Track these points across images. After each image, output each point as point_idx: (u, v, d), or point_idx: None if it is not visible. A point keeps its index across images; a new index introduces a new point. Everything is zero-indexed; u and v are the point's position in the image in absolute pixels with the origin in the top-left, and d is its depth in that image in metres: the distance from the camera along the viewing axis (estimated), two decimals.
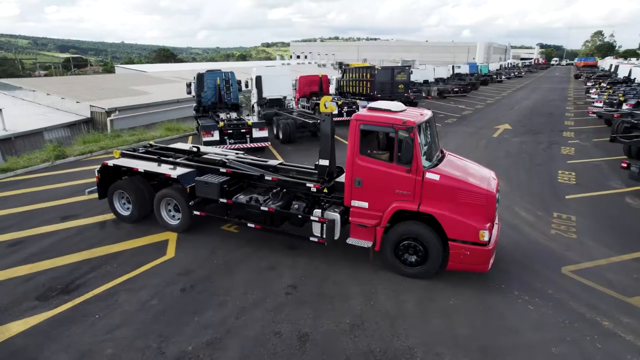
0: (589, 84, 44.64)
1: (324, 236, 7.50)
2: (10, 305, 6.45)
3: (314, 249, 8.13)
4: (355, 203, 7.31)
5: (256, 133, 16.08)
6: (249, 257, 7.99)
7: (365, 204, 7.22)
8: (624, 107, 22.93)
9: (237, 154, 10.07)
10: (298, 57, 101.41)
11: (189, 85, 20.86)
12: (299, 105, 25.06)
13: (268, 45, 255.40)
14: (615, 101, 24.18)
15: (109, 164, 9.46)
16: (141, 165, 9.23)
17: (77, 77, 44.20)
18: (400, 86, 25.21)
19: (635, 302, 6.49)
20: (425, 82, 42.93)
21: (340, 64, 32.25)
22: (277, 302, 6.51)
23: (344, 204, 7.61)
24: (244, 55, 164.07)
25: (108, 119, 23.73)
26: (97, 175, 9.64)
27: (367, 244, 7.36)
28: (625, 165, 10.95)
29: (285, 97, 22.27)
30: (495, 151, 16.57)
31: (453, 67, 55.28)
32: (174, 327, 5.92)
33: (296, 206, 7.95)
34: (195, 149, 10.37)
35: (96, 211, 10.27)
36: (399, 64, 44.35)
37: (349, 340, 5.64)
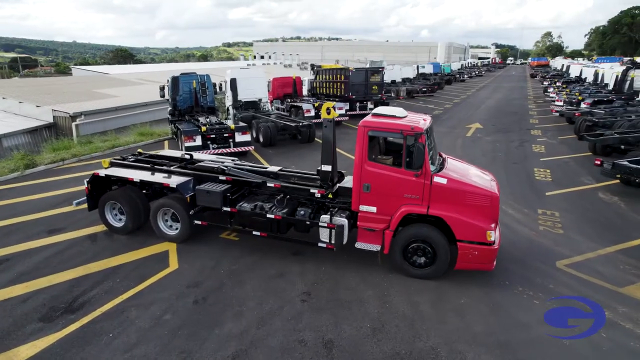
0: (545, 83, 47.08)
1: (333, 241, 7.57)
2: (13, 329, 6.11)
3: (319, 254, 8.20)
4: (363, 208, 7.43)
5: (239, 137, 15.90)
6: (256, 265, 7.94)
7: (373, 209, 7.36)
8: (582, 105, 24.46)
9: (233, 160, 9.96)
10: (262, 57, 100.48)
11: (162, 88, 20.31)
12: (273, 107, 24.93)
13: (229, 45, 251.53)
14: (574, 100, 25.74)
15: (100, 174, 9.11)
16: (136, 175, 8.95)
17: (33, 80, 41.89)
18: (374, 87, 25.62)
19: (627, 292, 7.01)
20: (393, 82, 43.80)
21: (312, 66, 32.27)
22: (294, 310, 6.53)
23: (350, 208, 7.73)
24: (205, 56, 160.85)
25: (73, 124, 22.65)
26: (86, 186, 9.25)
27: (376, 247, 7.51)
28: (598, 162, 11.74)
29: (260, 100, 22.16)
30: (472, 150, 17.21)
31: (417, 67, 56.80)
32: (195, 342, 5.82)
33: (302, 212, 7.97)
34: (187, 156, 10.16)
35: (83, 223, 9.84)
36: (368, 65, 45.02)
37: (374, 345, 5.76)
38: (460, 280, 7.27)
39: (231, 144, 15.74)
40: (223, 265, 7.95)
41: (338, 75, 25.77)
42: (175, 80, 18.99)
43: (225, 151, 15.42)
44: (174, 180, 8.60)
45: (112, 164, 9.78)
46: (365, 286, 7.20)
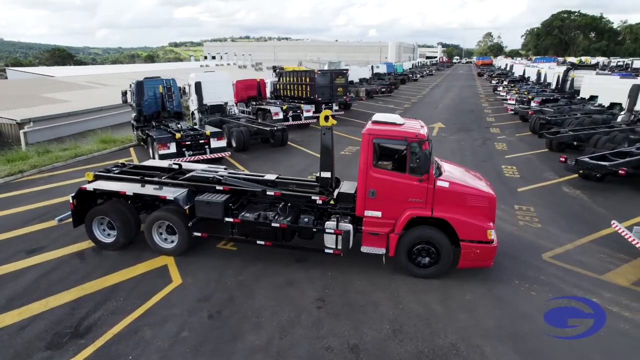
0: (493, 82, 49.82)
1: (339, 247, 7.74)
2: None
3: (323, 260, 8.32)
4: (368, 213, 7.66)
5: (214, 143, 15.62)
6: (261, 274, 7.94)
7: (378, 214, 7.61)
8: (532, 104, 26.26)
9: (225, 169, 9.82)
10: (213, 57, 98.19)
11: (124, 93, 19.48)
12: (238, 110, 24.62)
13: (176, 45, 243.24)
14: (525, 99, 27.56)
15: (88, 189, 8.67)
16: (128, 188, 8.61)
17: None
18: (339, 89, 25.99)
19: (607, 279, 7.75)
20: (351, 82, 44.55)
21: (274, 68, 32.14)
22: (312, 318, 6.63)
23: (352, 214, 7.94)
24: (151, 56, 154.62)
25: (21, 131, 21.12)
26: (71, 201, 8.77)
27: (381, 250, 7.76)
28: (563, 159, 12.76)
29: (226, 103, 21.81)
30: (440, 150, 17.95)
31: (372, 67, 58.07)
32: (220, 358, 5.77)
33: (306, 220, 8.07)
34: (176, 166, 9.90)
35: (65, 241, 9.33)
36: (327, 66, 45.44)
37: (397, 345, 6.00)
38: (462, 278, 7.69)
39: (207, 150, 15.42)
40: (228, 276, 7.87)
41: (303, 78, 25.88)
42: (139, 85, 18.26)
43: (201, 158, 15.09)
44: (171, 192, 8.37)
45: (97, 177, 9.33)
46: (375, 288, 7.43)
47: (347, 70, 28.54)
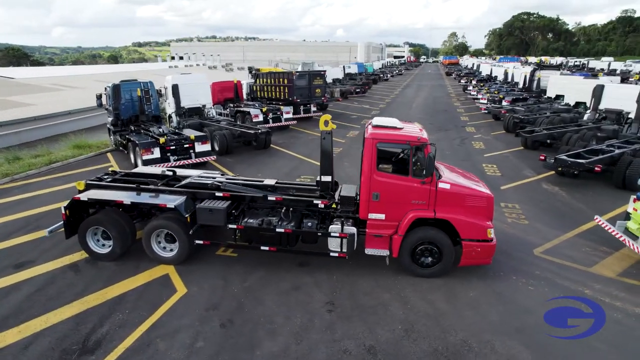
0: (462, 81, 51.30)
1: (345, 250, 7.85)
2: None
3: (325, 263, 8.41)
4: (372, 216, 7.81)
5: (199, 147, 15.40)
6: (266, 280, 7.94)
7: (382, 216, 7.77)
8: (504, 103, 27.30)
9: (222, 174, 9.74)
10: (181, 58, 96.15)
11: (99, 97, 18.90)
12: (215, 113, 24.30)
13: (140, 45, 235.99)
14: (496, 99, 28.59)
15: (82, 199, 8.39)
16: (125, 197, 8.39)
17: None
18: (317, 90, 26.12)
19: (595, 271, 8.23)
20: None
21: (250, 69, 31.86)
22: (325, 321, 6.71)
23: (354, 216, 8.08)
24: (114, 57, 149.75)
25: None
26: (63, 212, 8.46)
27: (385, 252, 7.94)
28: (543, 157, 13.38)
29: (204, 106, 21.48)
30: None
31: (344, 67, 58.50)
32: None
33: (309, 224, 8.14)
34: (170, 173, 9.73)
35: (54, 253, 9.00)
36: (300, 67, 45.45)
37: (412, 344, 6.17)
38: (463, 276, 7.98)
39: (192, 154, 15.17)
40: (233, 283, 7.83)
41: (281, 79, 25.83)
42: (116, 88, 17.71)
43: (187, 162, 14.84)
44: (171, 200, 8.23)
45: (88, 186, 9.04)
46: (381, 289, 7.59)
47: (324, 71, 28.66)
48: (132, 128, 17.51)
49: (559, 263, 8.51)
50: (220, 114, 24.13)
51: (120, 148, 17.50)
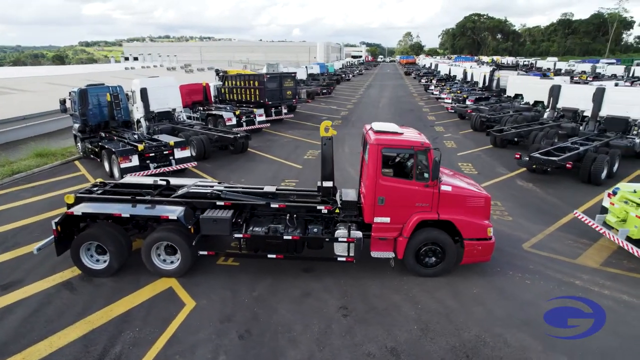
0: (423, 80, 52.77)
1: (352, 254, 8.00)
2: None
3: (330, 268, 8.50)
4: (377, 219, 8.00)
5: (179, 153, 14.99)
6: (276, 288, 7.93)
7: (387, 219, 7.98)
8: (467, 102, 28.46)
9: (220, 182, 9.59)
10: (135, 59, 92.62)
11: (63, 102, 17.99)
12: (185, 117, 23.69)
13: (88, 44, 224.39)
14: (460, 98, 29.74)
15: (76, 213, 8.00)
16: (124, 210, 8.09)
17: None
18: (288, 92, 26.09)
19: (580, 262, 8.87)
20: None
21: (217, 71, 31.22)
22: (343, 326, 6.82)
23: (362, 220, 8.24)
24: (60, 57, 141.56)
25: None
26: (55, 228, 8.03)
27: (390, 254, 8.16)
28: (518, 156, 14.15)
29: (174, 110, 20.94)
30: None
31: (307, 67, 58.62)
32: None
33: (315, 230, 8.21)
34: (163, 182, 9.46)
35: (42, 271, 8.54)
36: (265, 68, 45.08)
37: (430, 343, 6.41)
38: (463, 273, 8.34)
39: (172, 161, 14.75)
40: (242, 293, 7.76)
41: (252, 81, 25.58)
42: (83, 93, 16.91)
43: (167, 170, 14.42)
44: (172, 211, 8.03)
45: (78, 199, 8.62)
46: (390, 291, 7.80)
47: (295, 73, 28.69)
48: (103, 135, 16.79)
49: (548, 256, 9.08)
50: (189, 118, 23.57)
51: (92, 156, 16.69)
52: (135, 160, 13.97)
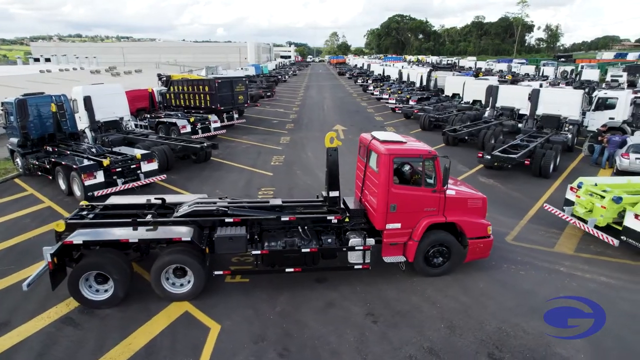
0: (359, 81, 54.35)
1: (367, 261, 8.26)
2: None
3: (342, 277, 8.67)
4: (389, 226, 8.33)
5: (146, 166, 14.16)
6: (297, 301, 7.93)
7: (398, 225, 8.35)
8: (411, 102, 29.98)
9: (221, 198, 9.30)
10: (47, 60, 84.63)
11: None
12: (133, 125, 22.34)
13: None
14: (404, 98, 31.21)
15: (75, 242, 7.34)
16: (131, 235, 7.57)
17: None
18: (240, 97, 25.59)
19: (558, 250, 9.95)
20: None
21: (160, 75, 29.67)
22: (376, 332, 7.05)
23: (373, 227, 8.54)
24: None
25: None
26: (50, 260, 7.31)
27: (401, 258, 8.54)
28: (480, 155, 15.32)
29: (122, 118, 19.74)
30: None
31: (242, 69, 57.62)
32: None
33: (329, 240, 8.34)
34: (159, 201, 8.98)
35: (32, 308, 7.74)
36: (204, 71, 43.68)
37: (460, 339, 6.87)
38: (465, 270, 8.96)
39: (141, 175, 13.89)
40: (264, 310, 7.68)
41: (201, 86, 24.71)
42: (22, 104, 15.28)
43: (136, 185, 13.58)
44: (185, 232, 7.69)
45: (70, 226, 7.91)
46: (406, 294, 8.18)
47: (246, 78, 28.17)
48: (50, 149, 15.35)
49: (530, 247, 10.06)
50: (136, 126, 22.25)
51: (39, 173, 15.16)
52: (100, 177, 12.97)
